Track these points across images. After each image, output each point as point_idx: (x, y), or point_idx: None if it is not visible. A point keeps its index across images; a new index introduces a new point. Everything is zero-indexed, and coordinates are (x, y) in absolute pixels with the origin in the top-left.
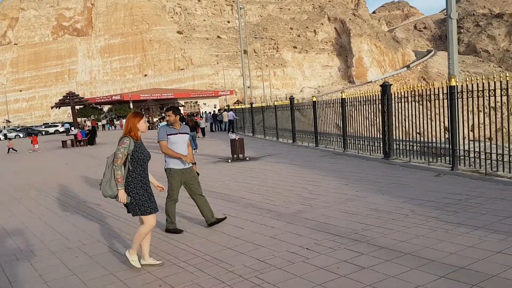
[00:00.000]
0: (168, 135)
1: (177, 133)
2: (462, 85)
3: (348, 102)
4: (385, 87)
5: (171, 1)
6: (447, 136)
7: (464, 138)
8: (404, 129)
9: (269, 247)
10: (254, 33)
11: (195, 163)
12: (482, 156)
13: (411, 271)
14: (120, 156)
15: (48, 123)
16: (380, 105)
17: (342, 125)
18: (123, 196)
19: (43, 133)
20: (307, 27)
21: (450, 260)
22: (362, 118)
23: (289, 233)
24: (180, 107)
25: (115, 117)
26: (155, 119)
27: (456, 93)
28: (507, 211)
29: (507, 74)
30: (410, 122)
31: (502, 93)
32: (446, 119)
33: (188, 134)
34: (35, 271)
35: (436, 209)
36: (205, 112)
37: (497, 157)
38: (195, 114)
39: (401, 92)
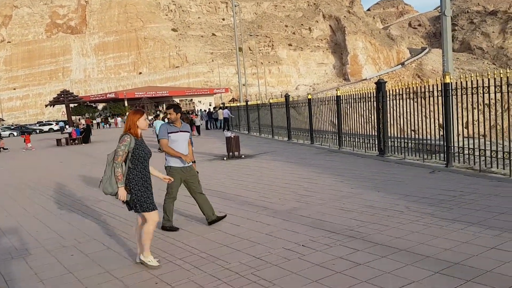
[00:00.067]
0: (169, 133)
1: (178, 131)
2: (456, 82)
3: (343, 100)
4: (380, 85)
5: None
6: (441, 133)
7: (458, 135)
8: (399, 126)
9: (265, 244)
10: (249, 30)
11: (194, 162)
12: (476, 153)
13: (406, 267)
14: (121, 153)
15: (42, 122)
16: (375, 102)
17: (337, 122)
18: (123, 194)
19: (37, 131)
20: (302, 24)
21: (445, 256)
22: (357, 116)
23: (285, 230)
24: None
25: (110, 115)
26: (149, 117)
27: (450, 90)
28: (501, 207)
29: (501, 71)
30: (405, 120)
31: (496, 90)
32: (440, 116)
33: (189, 132)
34: (30, 270)
35: (430, 206)
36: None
37: (491, 153)
38: (190, 112)
39: (396, 90)
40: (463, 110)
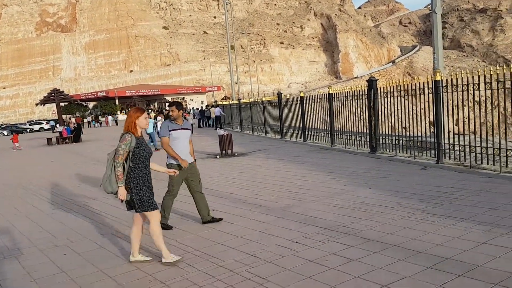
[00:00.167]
0: (170, 130)
1: (179, 129)
2: (447, 80)
3: (335, 98)
4: (371, 82)
5: None
6: (432, 130)
7: (449, 132)
8: (390, 124)
9: (259, 241)
10: (240, 28)
11: (195, 160)
12: (467, 150)
13: (398, 263)
14: (122, 152)
15: (33, 121)
16: (366, 100)
17: (329, 120)
18: (123, 193)
19: (28, 130)
20: (293, 22)
21: (436, 251)
22: (349, 114)
23: (278, 227)
24: (167, 103)
25: (101, 114)
26: None
27: (441, 87)
28: (492, 202)
29: (491, 69)
30: (396, 117)
31: (486, 87)
32: (431, 113)
33: (190, 129)
34: (23, 269)
35: (422, 202)
36: (193, 108)
37: (481, 150)
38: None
39: (387, 87)
40: (454, 107)
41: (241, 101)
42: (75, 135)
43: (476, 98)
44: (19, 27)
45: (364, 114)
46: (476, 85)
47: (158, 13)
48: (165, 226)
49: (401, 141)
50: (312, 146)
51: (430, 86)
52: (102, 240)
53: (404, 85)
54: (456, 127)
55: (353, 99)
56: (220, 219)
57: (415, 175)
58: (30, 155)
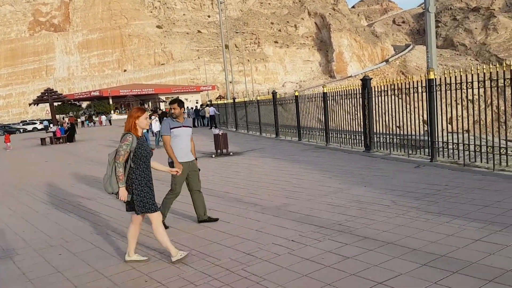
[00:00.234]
0: (171, 128)
1: (180, 126)
2: (440, 78)
3: (330, 97)
4: (365, 81)
5: None
6: (426, 128)
7: (442, 130)
8: (384, 122)
9: (255, 240)
10: (235, 27)
11: (196, 158)
12: (461, 148)
13: (393, 260)
14: (123, 153)
15: (26, 121)
16: (360, 99)
17: (324, 119)
18: (124, 194)
19: (21, 130)
20: (287, 21)
21: (431, 249)
22: (344, 112)
23: (274, 226)
24: (161, 102)
25: (94, 114)
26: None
27: (434, 86)
28: (485, 200)
29: (484, 67)
30: (390, 116)
31: (480, 85)
32: (424, 112)
33: (191, 127)
34: (18, 270)
35: (416, 200)
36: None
37: (475, 148)
38: None
39: (381, 86)
40: (447, 105)
41: (236, 100)
42: (69, 135)
43: (470, 97)
44: (12, 26)
45: (358, 113)
46: (470, 83)
47: (151, 12)
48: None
49: (395, 140)
50: (307, 145)
51: (424, 85)
52: (97, 240)
53: (398, 84)
54: (449, 126)
55: (348, 98)
56: (216, 219)
57: (409, 173)
58: (24, 155)
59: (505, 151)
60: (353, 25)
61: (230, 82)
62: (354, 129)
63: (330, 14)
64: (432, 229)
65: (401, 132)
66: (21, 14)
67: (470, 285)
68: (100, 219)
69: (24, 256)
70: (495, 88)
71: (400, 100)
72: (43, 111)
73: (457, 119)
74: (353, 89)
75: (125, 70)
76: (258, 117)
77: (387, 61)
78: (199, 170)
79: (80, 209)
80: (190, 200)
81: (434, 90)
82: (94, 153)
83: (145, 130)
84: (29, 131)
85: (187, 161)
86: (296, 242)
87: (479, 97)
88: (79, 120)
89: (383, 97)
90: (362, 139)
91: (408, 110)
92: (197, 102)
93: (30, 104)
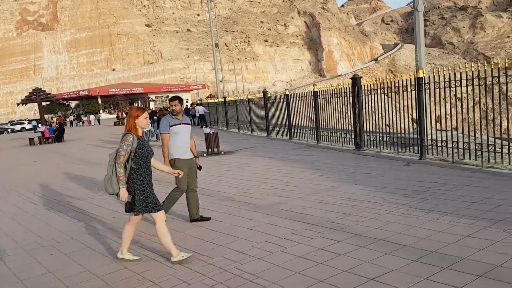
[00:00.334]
0: (171, 126)
1: (180, 124)
2: (429, 77)
3: (320, 95)
4: (355, 80)
5: None
6: (415, 126)
7: (431, 128)
8: (374, 121)
9: (248, 238)
10: (224, 26)
11: (197, 156)
12: (449, 145)
13: (384, 256)
14: (123, 153)
15: (14, 121)
16: (351, 97)
17: (314, 118)
18: (124, 194)
19: (9, 131)
20: (277, 20)
21: (421, 245)
22: (334, 111)
23: (266, 224)
24: (151, 102)
25: (83, 113)
26: (124, 114)
27: (423, 84)
28: (474, 196)
29: (472, 66)
30: (380, 114)
31: (468, 84)
32: (414, 110)
33: (190, 125)
34: (9, 270)
35: (406, 197)
36: None
37: (463, 145)
38: (167, 109)
39: (371, 85)
40: (436, 104)
41: (227, 99)
42: (58, 135)
43: (458, 95)
44: None
45: (348, 112)
46: (458, 82)
47: (140, 10)
48: None
49: (385, 138)
50: (298, 143)
51: (413, 83)
52: (88, 240)
53: (387, 82)
54: (438, 124)
55: (338, 96)
56: (209, 218)
57: (399, 170)
58: (12, 156)
59: (493, 148)
60: (342, 24)
61: (221, 81)
62: (345, 128)
63: (319, 13)
64: (422, 226)
65: (391, 130)
66: (8, 13)
67: (460, 280)
68: (91, 219)
69: (15, 257)
70: (483, 86)
71: (389, 99)
72: (31, 111)
73: (445, 117)
74: (343, 88)
75: (114, 69)
76: (249, 116)
77: (376, 60)
78: (201, 168)
79: (70, 209)
80: (183, 200)
81: (423, 88)
82: (83, 153)
83: (145, 130)
84: (17, 131)
85: (186, 158)
86: (288, 240)
87: (467, 95)
88: (67, 119)
89: (373, 96)
90: (353, 137)
91: (397, 108)
92: (187, 101)
93: (18, 104)
